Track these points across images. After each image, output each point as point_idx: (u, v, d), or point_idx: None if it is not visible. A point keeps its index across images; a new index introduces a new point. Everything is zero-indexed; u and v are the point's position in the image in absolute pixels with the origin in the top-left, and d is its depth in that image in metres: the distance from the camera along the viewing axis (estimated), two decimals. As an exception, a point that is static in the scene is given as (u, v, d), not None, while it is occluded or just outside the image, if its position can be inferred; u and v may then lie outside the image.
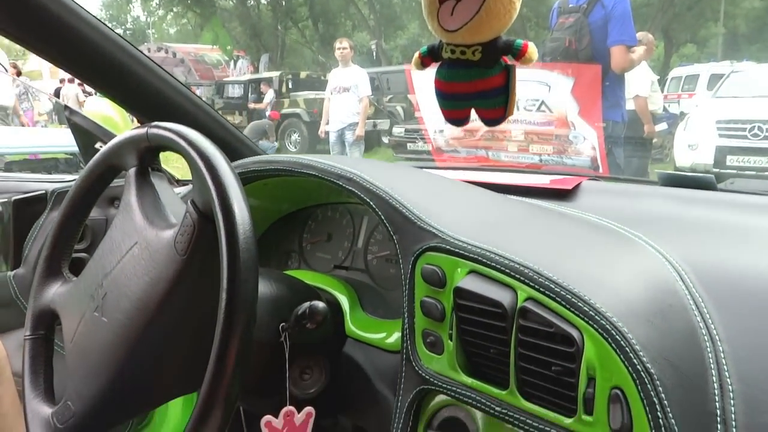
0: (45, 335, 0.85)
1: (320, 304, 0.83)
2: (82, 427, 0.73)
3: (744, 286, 0.72)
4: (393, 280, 1.05)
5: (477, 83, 0.80)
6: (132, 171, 0.79)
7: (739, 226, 0.89)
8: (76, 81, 10.72)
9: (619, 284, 0.70)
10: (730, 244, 0.84)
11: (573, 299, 0.64)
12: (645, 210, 0.98)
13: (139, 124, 0.82)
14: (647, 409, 0.58)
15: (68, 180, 1.46)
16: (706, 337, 0.66)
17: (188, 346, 0.71)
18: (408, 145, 8.40)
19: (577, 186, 1.08)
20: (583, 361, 0.62)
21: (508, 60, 0.79)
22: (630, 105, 4.16)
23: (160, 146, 0.76)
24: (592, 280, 0.68)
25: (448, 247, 0.75)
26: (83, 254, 1.27)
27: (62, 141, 4.19)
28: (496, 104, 0.81)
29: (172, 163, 1.46)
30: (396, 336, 0.89)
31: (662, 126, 5.83)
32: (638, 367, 0.59)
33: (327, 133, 6.60)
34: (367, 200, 0.86)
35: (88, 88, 7.29)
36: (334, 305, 0.97)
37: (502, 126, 1.81)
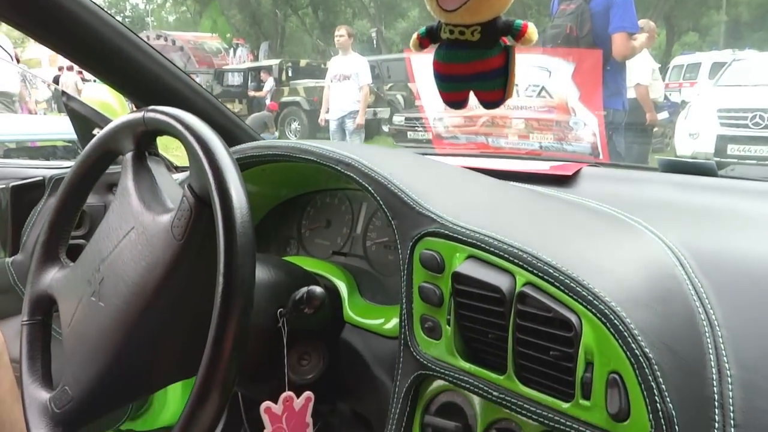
0: (42, 320, 0.84)
1: (318, 289, 0.83)
2: (79, 411, 0.73)
3: (743, 272, 0.72)
4: (391, 266, 1.05)
5: (476, 64, 0.79)
6: (129, 155, 0.78)
7: (739, 211, 0.89)
8: (75, 69, 10.68)
9: (618, 269, 0.70)
10: (730, 229, 0.84)
11: (572, 284, 0.63)
12: (645, 196, 0.98)
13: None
14: (645, 393, 0.57)
15: (66, 166, 1.46)
16: (704, 322, 0.66)
17: (185, 331, 0.71)
18: (408, 133, 8.39)
19: (578, 172, 1.08)
20: (581, 346, 0.62)
21: (508, 41, 0.78)
22: (631, 93, 4.14)
23: (157, 130, 0.75)
24: (591, 265, 0.68)
25: (446, 232, 0.75)
26: (81, 241, 1.27)
27: (62, 128, 4.18)
28: (495, 86, 0.80)
29: (172, 151, 1.45)
30: (394, 322, 0.89)
31: (663, 115, 5.82)
32: (636, 351, 0.58)
33: (327, 121, 6.58)
34: (366, 185, 0.85)
35: (87, 76, 7.27)
36: (333, 291, 0.97)
37: (503, 112, 1.80)
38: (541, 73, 1.72)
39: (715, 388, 0.61)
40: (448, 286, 0.74)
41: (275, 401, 0.85)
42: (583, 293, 0.62)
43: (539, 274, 0.66)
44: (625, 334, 0.59)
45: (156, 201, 0.74)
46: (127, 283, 0.70)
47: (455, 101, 0.85)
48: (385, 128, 9.97)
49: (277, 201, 1.23)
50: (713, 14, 23.20)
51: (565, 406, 0.63)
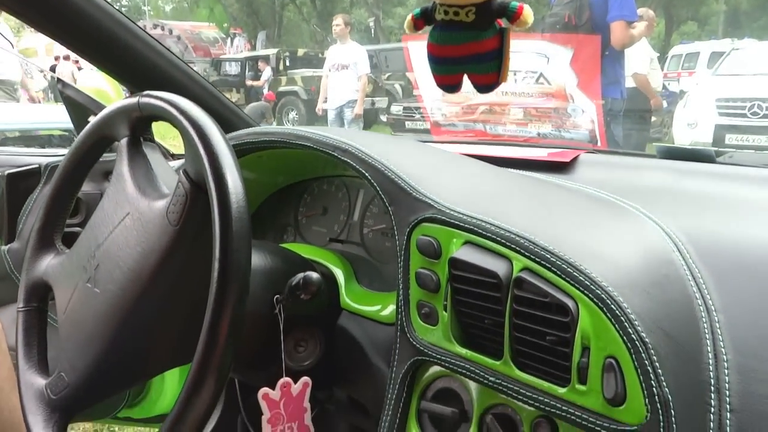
0: (38, 307, 0.84)
1: (314, 275, 0.83)
2: (75, 398, 0.73)
3: (740, 257, 0.72)
4: (388, 253, 1.05)
5: (470, 45, 0.78)
6: (124, 141, 0.78)
7: (737, 198, 0.89)
8: (72, 58, 10.61)
9: (615, 254, 0.69)
10: (728, 215, 0.84)
11: (568, 269, 0.63)
12: (643, 182, 0.98)
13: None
14: (641, 378, 0.57)
15: (62, 154, 1.45)
16: (701, 307, 0.66)
17: (181, 317, 0.71)
18: (406, 123, 8.37)
19: (575, 159, 1.07)
20: (578, 331, 0.62)
21: (503, 23, 0.78)
22: (629, 82, 4.13)
23: (152, 116, 0.74)
24: (588, 250, 0.68)
25: (443, 217, 0.75)
26: (77, 228, 1.27)
27: (58, 117, 4.15)
28: (490, 69, 0.80)
29: (169, 140, 1.44)
30: (391, 308, 0.89)
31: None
32: (633, 336, 0.58)
33: (325, 111, 6.56)
34: (363, 171, 0.85)
35: (84, 66, 7.21)
36: (329, 278, 0.97)
37: (501, 99, 1.79)
38: (539, 59, 1.71)
39: (711, 373, 0.62)
40: (445, 271, 0.73)
41: (273, 387, 0.85)
42: (580, 278, 0.62)
43: (536, 259, 0.65)
44: (622, 318, 0.59)
45: (151, 186, 0.74)
46: (122, 270, 0.70)
47: (449, 84, 0.84)
48: (383, 118, 9.95)
49: (274, 188, 1.23)
50: (712, 3, 23.13)
51: (561, 390, 0.63)
